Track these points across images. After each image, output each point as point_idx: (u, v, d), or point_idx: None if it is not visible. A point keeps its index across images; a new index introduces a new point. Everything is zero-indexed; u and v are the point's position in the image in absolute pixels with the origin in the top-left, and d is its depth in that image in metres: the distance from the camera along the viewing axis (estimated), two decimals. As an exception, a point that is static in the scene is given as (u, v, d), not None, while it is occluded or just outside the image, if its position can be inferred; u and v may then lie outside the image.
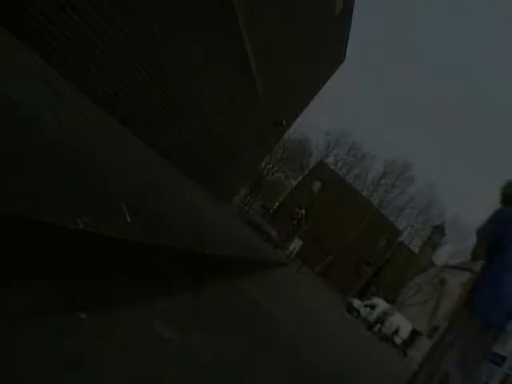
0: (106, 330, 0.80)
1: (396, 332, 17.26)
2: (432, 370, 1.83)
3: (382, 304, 19.42)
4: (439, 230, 32.86)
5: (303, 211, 27.57)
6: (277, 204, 33.31)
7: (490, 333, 1.82)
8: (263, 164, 27.59)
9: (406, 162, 31.77)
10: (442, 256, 32.88)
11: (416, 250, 33.19)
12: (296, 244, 28.50)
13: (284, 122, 10.98)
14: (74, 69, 3.34)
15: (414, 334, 18.82)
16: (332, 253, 29.03)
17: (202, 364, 0.98)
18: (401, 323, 18.56)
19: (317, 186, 31.23)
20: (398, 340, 17.40)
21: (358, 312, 18.27)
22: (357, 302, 19.26)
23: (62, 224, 0.56)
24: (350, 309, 18.35)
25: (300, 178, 31.87)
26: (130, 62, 3.93)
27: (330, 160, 32.13)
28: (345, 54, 12.40)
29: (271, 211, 32.34)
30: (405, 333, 18.18)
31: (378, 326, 17.16)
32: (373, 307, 18.60)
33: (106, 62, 3.64)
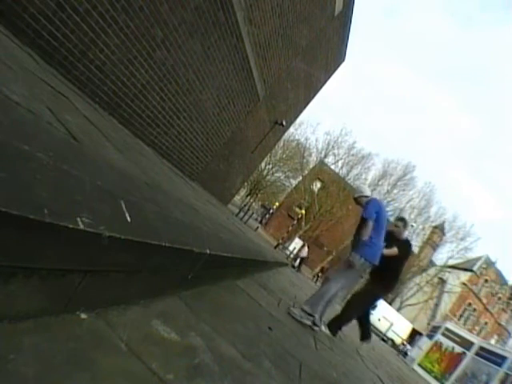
0: (106, 330, 0.80)
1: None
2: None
3: (381, 304, 19.41)
4: (439, 229, 32.84)
5: (303, 211, 27.54)
6: (277, 204, 33.29)
7: (367, 270, 3.32)
8: (263, 164, 27.58)
9: (408, 164, 31.65)
10: (441, 256, 32.92)
11: (416, 250, 33.18)
12: (296, 244, 28.50)
13: (284, 122, 10.99)
14: (73, 69, 3.34)
15: (414, 334, 18.82)
16: (332, 253, 29.02)
17: (202, 363, 0.98)
18: (400, 323, 18.57)
19: (317, 186, 31.20)
20: (394, 337, 17.47)
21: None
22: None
23: (61, 224, 0.56)
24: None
25: (300, 178, 31.84)
26: (130, 62, 3.93)
27: (330, 160, 32.10)
28: (345, 55, 12.40)
29: (271, 211, 32.32)
30: (404, 332, 18.19)
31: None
32: (373, 307, 18.58)
33: (106, 62, 3.65)
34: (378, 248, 3.27)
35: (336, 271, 3.42)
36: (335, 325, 3.64)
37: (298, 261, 17.80)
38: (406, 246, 3.83)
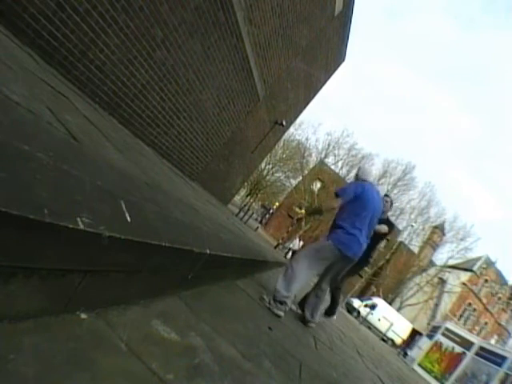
0: (106, 330, 0.80)
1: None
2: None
3: (381, 304, 19.40)
4: (439, 229, 32.82)
5: (303, 211, 27.52)
6: (277, 204, 33.27)
7: (346, 261, 2.89)
8: (263, 164, 27.54)
9: (408, 164, 31.67)
10: (441, 256, 32.90)
11: (416, 250, 33.16)
12: (296, 244, 28.46)
13: (284, 122, 10.99)
14: (74, 69, 3.34)
15: (414, 334, 18.81)
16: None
17: (202, 363, 0.98)
18: (400, 323, 18.57)
19: (317, 186, 31.18)
20: (394, 337, 17.46)
21: (358, 312, 18.24)
22: (357, 302, 19.23)
23: (61, 224, 0.56)
24: (350, 309, 18.32)
25: (300, 178, 31.81)
26: (130, 62, 3.93)
27: (330, 160, 32.09)
28: (345, 55, 12.39)
29: (271, 211, 32.31)
30: (403, 332, 18.19)
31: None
32: (373, 307, 18.58)
33: (106, 62, 3.65)
34: (352, 238, 2.79)
35: (304, 253, 2.92)
36: (332, 308, 4.11)
37: (290, 254, 17.75)
38: (390, 226, 4.08)
